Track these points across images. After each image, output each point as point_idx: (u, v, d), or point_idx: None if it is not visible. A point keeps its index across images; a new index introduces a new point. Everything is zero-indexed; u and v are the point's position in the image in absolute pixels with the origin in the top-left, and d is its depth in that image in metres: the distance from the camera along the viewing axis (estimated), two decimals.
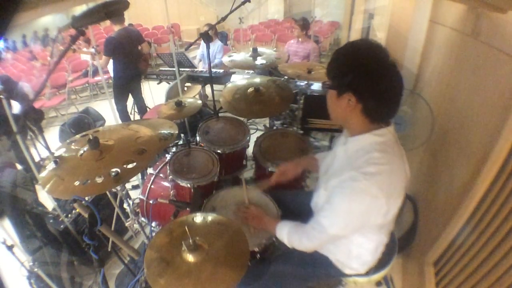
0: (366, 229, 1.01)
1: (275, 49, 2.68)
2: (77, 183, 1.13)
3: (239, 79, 2.27)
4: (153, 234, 1.73)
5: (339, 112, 0.98)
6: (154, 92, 3.72)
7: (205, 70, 3.62)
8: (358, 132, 0.97)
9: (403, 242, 1.81)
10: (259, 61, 2.41)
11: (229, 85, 2.17)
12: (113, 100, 3.26)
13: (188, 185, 1.64)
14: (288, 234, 1.13)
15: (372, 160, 0.90)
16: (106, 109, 3.21)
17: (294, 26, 3.66)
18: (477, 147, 1.29)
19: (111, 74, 3.48)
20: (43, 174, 1.22)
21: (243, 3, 1.96)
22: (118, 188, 1.71)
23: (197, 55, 4.37)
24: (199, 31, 7.12)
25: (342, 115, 0.97)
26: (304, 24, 3.60)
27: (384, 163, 0.90)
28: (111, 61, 3.17)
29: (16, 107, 2.89)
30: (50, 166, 1.23)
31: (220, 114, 2.21)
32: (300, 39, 3.68)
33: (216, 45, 4.04)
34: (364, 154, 0.93)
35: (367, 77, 0.88)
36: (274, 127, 2.93)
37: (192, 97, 2.26)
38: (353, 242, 1.07)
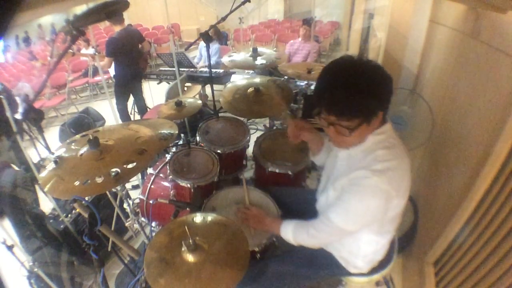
0: (375, 225, 1.02)
1: (275, 49, 2.68)
2: (77, 183, 1.13)
3: (239, 79, 2.27)
4: (153, 234, 1.73)
5: (353, 140, 0.97)
6: (154, 92, 3.72)
7: (205, 65, 3.60)
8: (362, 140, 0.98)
9: (403, 242, 1.81)
10: (259, 61, 2.40)
11: (229, 85, 2.17)
12: (113, 100, 3.26)
13: (188, 185, 1.65)
14: (293, 230, 1.13)
15: (379, 158, 0.92)
16: (106, 109, 3.21)
17: (303, 27, 3.71)
18: (477, 147, 1.29)
19: (111, 74, 3.48)
20: (43, 174, 1.22)
21: (243, 3, 1.96)
22: (118, 188, 1.71)
23: (195, 57, 4.36)
24: (199, 31, 7.12)
25: (357, 141, 0.97)
26: (309, 24, 3.66)
27: (390, 159, 0.92)
28: None
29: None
30: (50, 166, 1.23)
31: (220, 114, 2.21)
32: (300, 39, 3.75)
33: (213, 47, 4.04)
34: (369, 153, 0.95)
35: (376, 97, 0.87)
36: (274, 127, 2.92)
37: (192, 97, 2.26)
38: (362, 240, 1.07)
